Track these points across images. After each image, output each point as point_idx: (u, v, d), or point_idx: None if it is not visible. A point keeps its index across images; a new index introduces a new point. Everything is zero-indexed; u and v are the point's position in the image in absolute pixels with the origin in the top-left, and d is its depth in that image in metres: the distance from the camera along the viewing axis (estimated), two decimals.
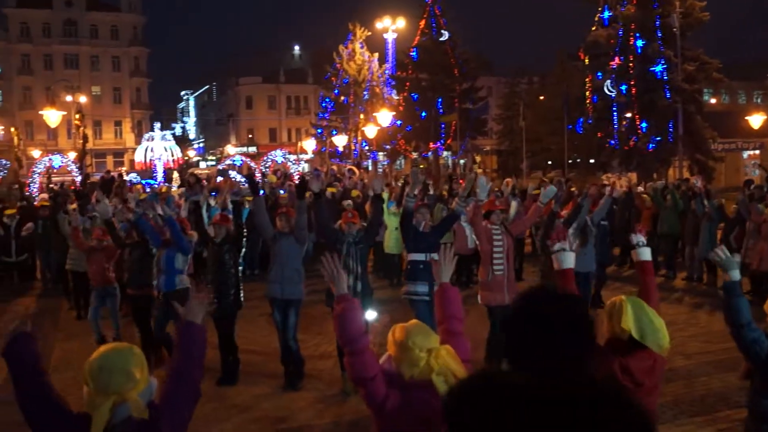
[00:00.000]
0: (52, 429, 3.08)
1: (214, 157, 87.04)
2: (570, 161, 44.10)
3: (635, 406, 1.81)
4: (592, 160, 42.40)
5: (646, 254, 5.14)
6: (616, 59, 38.18)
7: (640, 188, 23.24)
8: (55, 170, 28.39)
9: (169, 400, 3.20)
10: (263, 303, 9.78)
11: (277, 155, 27.14)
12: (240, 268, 9.44)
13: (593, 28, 39.56)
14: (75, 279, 13.10)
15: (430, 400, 3.44)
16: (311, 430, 7.59)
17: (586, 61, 40.26)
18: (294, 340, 8.94)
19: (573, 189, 18.93)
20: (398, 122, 48.54)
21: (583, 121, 40.92)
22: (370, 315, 8.35)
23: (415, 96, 50.44)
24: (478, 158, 62.83)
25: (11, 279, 16.63)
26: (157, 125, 35.96)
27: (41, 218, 16.30)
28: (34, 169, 26.05)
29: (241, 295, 9.30)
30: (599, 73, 39.12)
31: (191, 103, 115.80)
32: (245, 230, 9.58)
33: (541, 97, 55.67)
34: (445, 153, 55.77)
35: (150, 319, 10.01)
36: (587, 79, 40.05)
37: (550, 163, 53.84)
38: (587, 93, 39.91)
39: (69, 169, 27.99)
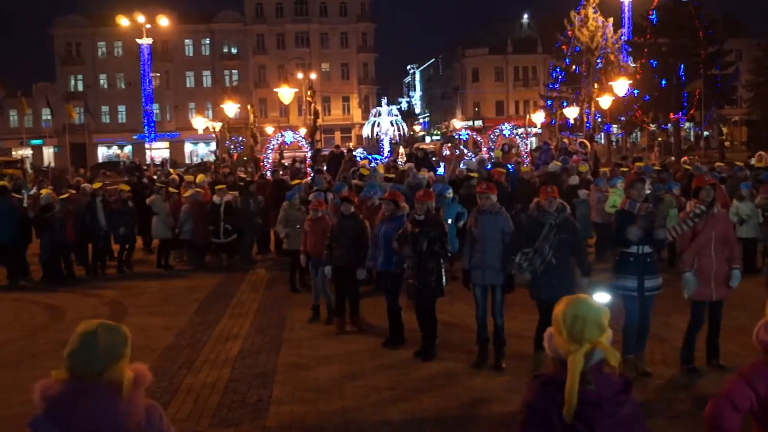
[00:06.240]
0: None
1: (439, 132, 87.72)
2: None
3: None
4: None
5: None
6: None
7: None
8: (287, 146, 29.08)
9: None
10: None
11: (505, 129, 25.93)
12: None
13: None
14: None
15: None
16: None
17: None
18: (500, 315, 8.79)
19: None
20: (635, 91, 46.56)
21: None
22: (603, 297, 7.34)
23: (654, 62, 48.56)
24: (724, 129, 59.33)
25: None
26: (384, 100, 36.01)
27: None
28: (268, 146, 26.59)
29: (444, 279, 9.14)
30: None
31: (417, 77, 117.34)
32: None
33: None
34: (687, 124, 53.33)
35: (349, 288, 10.49)
36: None
37: None
38: None
39: (300, 144, 28.43)
